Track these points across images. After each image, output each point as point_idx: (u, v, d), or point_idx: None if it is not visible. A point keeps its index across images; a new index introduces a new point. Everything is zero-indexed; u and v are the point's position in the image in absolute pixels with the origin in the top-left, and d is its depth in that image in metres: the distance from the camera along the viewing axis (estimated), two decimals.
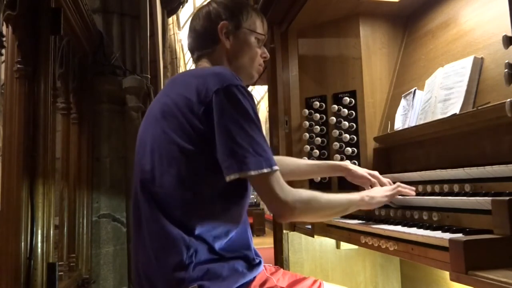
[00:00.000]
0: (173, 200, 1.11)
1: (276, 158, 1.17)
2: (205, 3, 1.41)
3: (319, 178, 2.10)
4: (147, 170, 1.16)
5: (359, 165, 2.05)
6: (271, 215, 1.24)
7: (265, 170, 1.07)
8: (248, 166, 1.06)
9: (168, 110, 1.16)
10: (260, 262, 1.20)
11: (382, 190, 1.45)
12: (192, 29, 1.35)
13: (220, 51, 1.30)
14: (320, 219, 1.34)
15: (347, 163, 1.63)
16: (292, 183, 1.25)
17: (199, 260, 1.08)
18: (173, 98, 1.17)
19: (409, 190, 1.45)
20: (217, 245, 1.11)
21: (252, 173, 1.06)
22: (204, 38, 1.31)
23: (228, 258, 1.12)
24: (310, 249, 2.24)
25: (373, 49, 2.15)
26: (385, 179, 1.56)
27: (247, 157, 1.06)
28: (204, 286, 1.05)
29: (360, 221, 1.57)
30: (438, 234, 1.11)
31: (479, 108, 1.39)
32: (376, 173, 1.59)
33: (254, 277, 1.15)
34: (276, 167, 1.10)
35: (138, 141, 1.26)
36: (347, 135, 2.10)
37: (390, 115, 2.01)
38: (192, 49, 1.36)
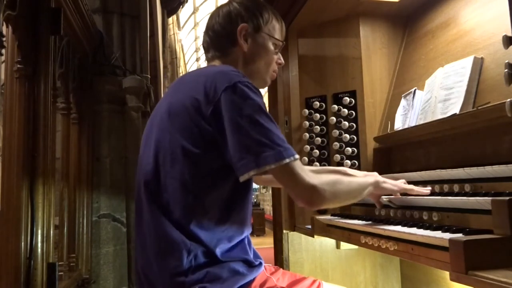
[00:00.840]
0: (175, 203, 1.09)
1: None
2: (226, 1, 1.36)
3: None
4: (150, 171, 1.14)
5: (359, 165, 2.05)
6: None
7: (287, 160, 1.04)
8: (267, 159, 1.02)
9: (174, 110, 1.13)
10: (260, 264, 1.19)
11: (396, 181, 1.46)
12: (210, 27, 1.31)
13: (236, 54, 1.28)
14: (345, 201, 1.31)
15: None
16: None
17: (198, 263, 1.07)
18: (180, 98, 1.14)
19: (424, 190, 1.44)
20: (218, 250, 1.09)
21: (273, 166, 1.03)
22: (222, 39, 1.28)
23: (227, 262, 1.10)
24: (310, 249, 2.24)
25: (373, 49, 2.15)
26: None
27: (265, 150, 1.03)
28: None
29: (360, 221, 1.57)
30: (438, 234, 1.11)
31: (479, 108, 1.39)
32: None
33: (254, 278, 1.14)
34: (297, 155, 1.07)
35: (143, 140, 1.25)
36: (347, 135, 2.10)
37: (390, 115, 2.01)
38: (207, 48, 1.32)
